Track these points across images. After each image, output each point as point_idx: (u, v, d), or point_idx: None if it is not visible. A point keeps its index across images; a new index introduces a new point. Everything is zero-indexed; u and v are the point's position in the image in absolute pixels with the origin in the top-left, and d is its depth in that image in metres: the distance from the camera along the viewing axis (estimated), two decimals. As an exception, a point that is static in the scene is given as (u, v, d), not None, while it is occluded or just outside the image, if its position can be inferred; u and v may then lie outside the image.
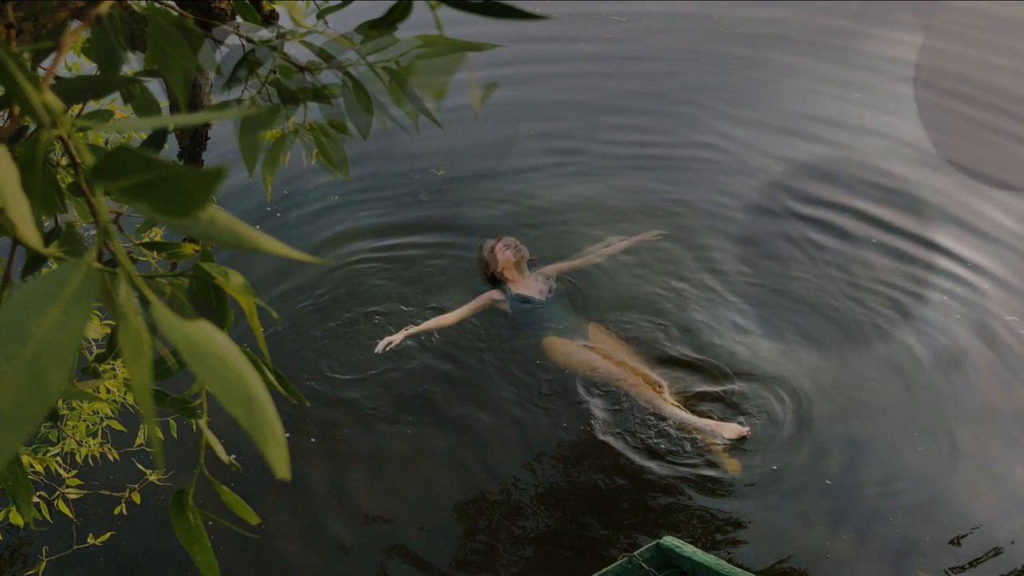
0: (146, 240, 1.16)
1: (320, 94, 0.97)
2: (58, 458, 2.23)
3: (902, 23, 7.66)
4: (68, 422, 2.33)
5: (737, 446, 3.26)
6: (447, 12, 0.70)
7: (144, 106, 0.94)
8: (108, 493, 2.85)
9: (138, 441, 2.69)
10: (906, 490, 3.15)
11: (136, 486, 2.64)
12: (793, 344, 3.82)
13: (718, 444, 3.26)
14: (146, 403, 0.45)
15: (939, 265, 4.34)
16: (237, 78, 0.91)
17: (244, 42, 0.99)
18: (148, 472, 2.68)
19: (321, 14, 0.92)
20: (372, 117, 0.98)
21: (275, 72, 0.98)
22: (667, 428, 3.33)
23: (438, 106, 0.81)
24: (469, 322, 3.89)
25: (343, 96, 0.97)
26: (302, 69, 0.97)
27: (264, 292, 4.04)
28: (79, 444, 2.33)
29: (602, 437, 3.32)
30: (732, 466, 3.20)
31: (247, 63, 0.91)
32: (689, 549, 2.57)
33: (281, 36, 1.01)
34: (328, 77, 0.99)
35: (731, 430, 3.27)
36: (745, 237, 4.55)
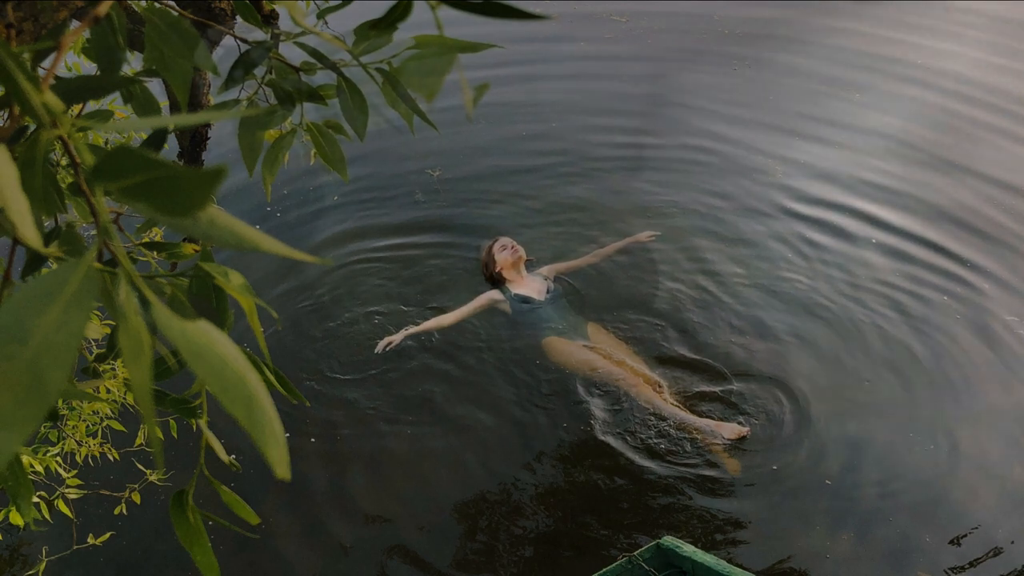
0: (146, 240, 1.16)
1: (316, 95, 0.97)
2: (58, 458, 2.23)
3: (902, 23, 7.66)
4: (68, 422, 2.32)
5: (737, 446, 3.26)
6: (447, 12, 0.70)
7: (144, 106, 0.94)
8: (108, 493, 2.86)
9: (138, 441, 2.69)
10: (906, 490, 3.15)
11: (136, 486, 2.64)
12: (793, 344, 3.82)
13: (718, 444, 3.26)
14: (146, 403, 0.45)
15: (939, 265, 4.34)
16: (234, 79, 0.91)
17: (239, 43, 0.99)
18: (148, 472, 2.68)
19: (321, 14, 0.92)
20: (367, 118, 0.98)
21: (271, 73, 0.98)
22: (667, 428, 3.33)
23: (430, 107, 0.81)
24: (469, 322, 3.89)
25: (338, 97, 0.98)
26: (297, 70, 0.97)
27: (264, 292, 4.04)
28: (79, 444, 2.32)
29: (602, 437, 3.32)
30: (732, 466, 3.20)
31: (243, 64, 0.91)
32: (689, 549, 2.57)
33: (275, 37, 1.01)
34: (325, 78, 0.99)
35: (731, 430, 3.27)
36: (744, 237, 4.56)
